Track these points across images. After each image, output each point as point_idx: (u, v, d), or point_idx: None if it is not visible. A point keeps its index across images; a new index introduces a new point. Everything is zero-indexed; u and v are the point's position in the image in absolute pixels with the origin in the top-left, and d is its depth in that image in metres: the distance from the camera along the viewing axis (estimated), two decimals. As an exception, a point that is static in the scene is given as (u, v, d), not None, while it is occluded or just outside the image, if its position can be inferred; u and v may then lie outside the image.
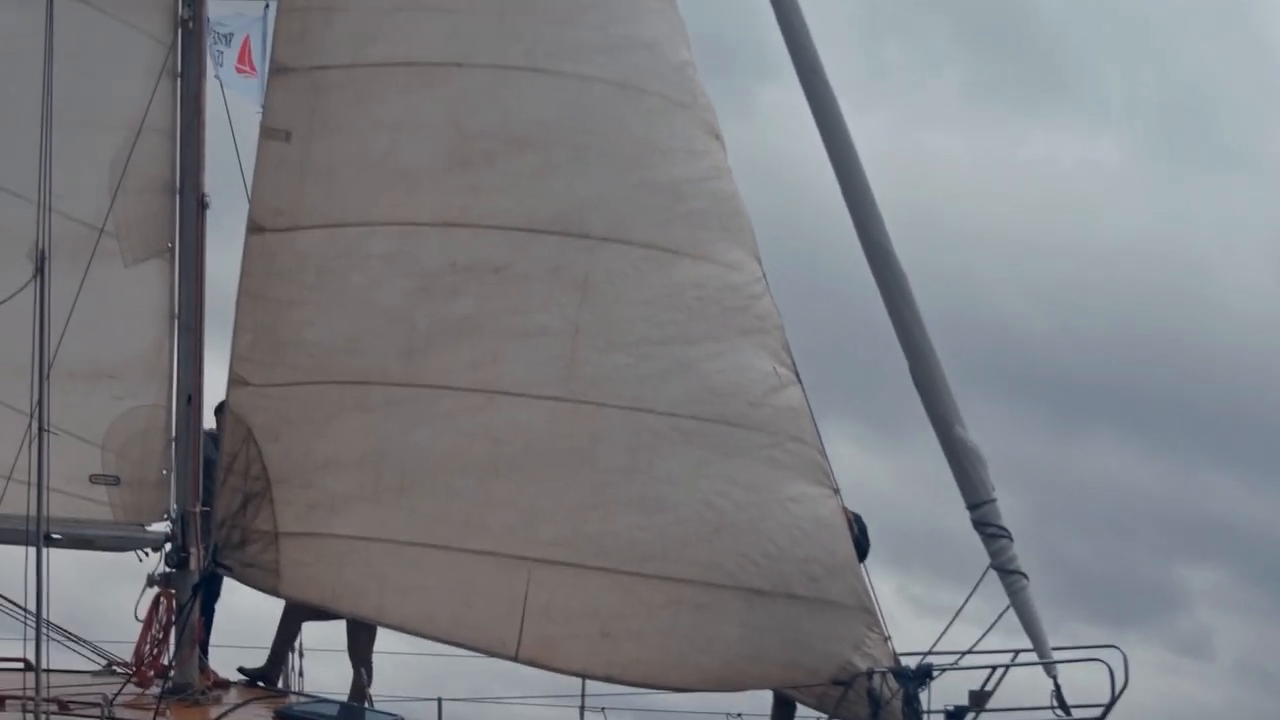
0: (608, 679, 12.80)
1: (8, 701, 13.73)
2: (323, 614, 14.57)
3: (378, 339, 13.02)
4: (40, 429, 13.01)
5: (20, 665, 15.55)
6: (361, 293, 13.09)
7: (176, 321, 14.58)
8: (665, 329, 12.78)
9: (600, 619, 12.59)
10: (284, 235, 13.23)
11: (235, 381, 13.39)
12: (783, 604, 12.53)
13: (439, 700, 12.82)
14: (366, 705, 14.95)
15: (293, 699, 14.88)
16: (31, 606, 13.05)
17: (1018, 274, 30.10)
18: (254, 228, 13.33)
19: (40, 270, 13.23)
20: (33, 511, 12.79)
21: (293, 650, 15.43)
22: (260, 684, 15.19)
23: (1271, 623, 32.94)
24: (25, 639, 13.24)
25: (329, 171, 13.18)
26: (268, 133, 13.29)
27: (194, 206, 14.54)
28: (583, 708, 14.71)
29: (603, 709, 14.56)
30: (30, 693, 13.10)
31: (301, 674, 15.60)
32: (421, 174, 13.06)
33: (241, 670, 15.35)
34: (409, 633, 13.14)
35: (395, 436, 12.94)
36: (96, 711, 13.37)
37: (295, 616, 15.18)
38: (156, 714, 13.11)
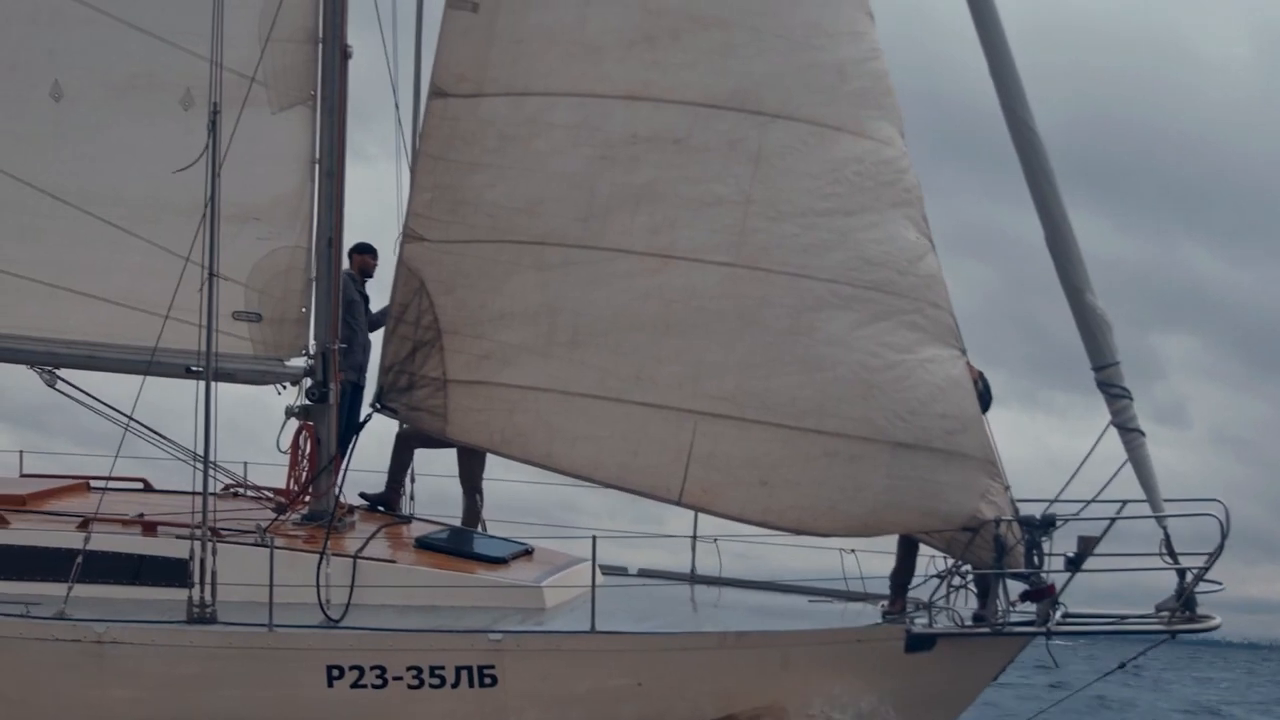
0: (763, 524, 13.71)
1: (160, 528, 14.38)
2: (435, 442, 15.30)
3: (558, 203, 13.69)
4: (210, 274, 13.56)
5: (139, 485, 16.24)
6: (544, 159, 13.72)
7: (318, 166, 15.07)
8: (828, 201, 13.56)
9: (760, 468, 13.51)
10: (467, 101, 13.77)
11: (410, 237, 14.00)
12: (924, 456, 13.50)
13: (593, 538, 13.65)
14: (480, 530, 15.90)
15: (416, 525, 15.70)
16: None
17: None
18: (436, 92, 13.86)
19: (213, 123, 13.64)
20: (202, 348, 13.46)
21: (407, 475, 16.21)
22: (381, 509, 15.98)
23: (1245, 391, 34.67)
24: (194, 473, 13.87)
25: (515, 42, 13.70)
26: (454, 3, 13.75)
27: (336, 55, 15.02)
28: (694, 539, 15.80)
29: (715, 539, 15.63)
30: (186, 519, 13.79)
31: (413, 498, 16.36)
32: (608, 48, 13.63)
33: (363, 495, 16.13)
34: (578, 478, 13.94)
35: (570, 294, 13.69)
36: (251, 539, 14.11)
37: (408, 444, 15.94)
38: (325, 540, 13.79)
